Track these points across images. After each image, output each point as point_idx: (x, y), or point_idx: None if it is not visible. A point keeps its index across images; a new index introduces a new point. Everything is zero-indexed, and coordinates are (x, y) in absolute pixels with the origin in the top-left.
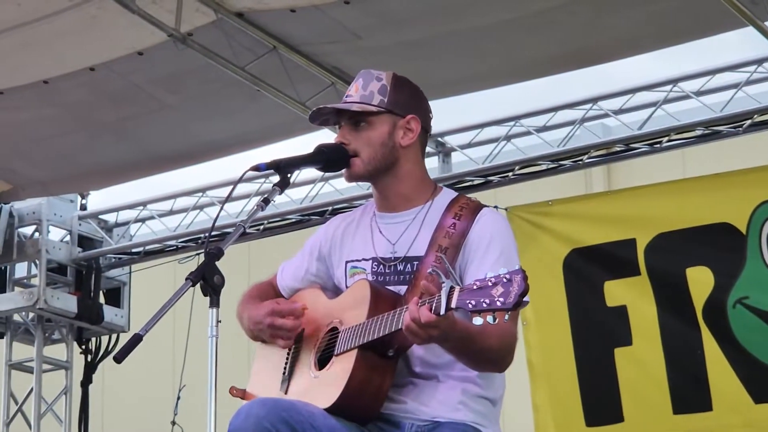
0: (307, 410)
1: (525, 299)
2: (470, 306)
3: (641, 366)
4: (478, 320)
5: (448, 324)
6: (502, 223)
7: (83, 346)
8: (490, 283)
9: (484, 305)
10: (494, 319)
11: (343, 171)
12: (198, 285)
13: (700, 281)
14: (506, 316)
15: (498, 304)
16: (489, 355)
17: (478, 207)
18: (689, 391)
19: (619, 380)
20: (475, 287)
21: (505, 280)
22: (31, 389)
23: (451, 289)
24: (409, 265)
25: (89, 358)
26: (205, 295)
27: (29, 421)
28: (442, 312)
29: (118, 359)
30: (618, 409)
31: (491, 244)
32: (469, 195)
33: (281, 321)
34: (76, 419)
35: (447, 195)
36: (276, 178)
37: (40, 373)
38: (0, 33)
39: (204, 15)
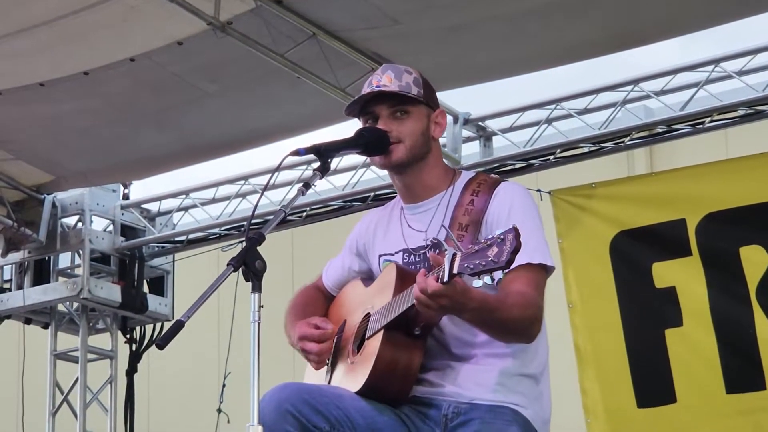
0: (332, 392)
1: (551, 264)
2: (469, 270)
3: (693, 346)
4: (477, 282)
5: (456, 292)
6: (521, 195)
7: (128, 336)
8: (486, 245)
9: (481, 267)
10: (492, 280)
11: (378, 159)
12: (240, 271)
13: (754, 260)
14: (501, 274)
15: (492, 264)
16: (513, 326)
17: (496, 182)
18: (742, 371)
19: (670, 361)
20: (473, 251)
21: (499, 240)
22: (77, 379)
23: (454, 255)
24: (437, 251)
25: (134, 347)
26: (247, 280)
27: (75, 410)
28: (446, 279)
29: (161, 345)
30: (670, 390)
31: (511, 214)
32: (511, 178)
33: (309, 346)
34: (121, 408)
35: (466, 176)
36: (317, 164)
37: (85, 362)
38: (40, 26)
39: (243, 3)
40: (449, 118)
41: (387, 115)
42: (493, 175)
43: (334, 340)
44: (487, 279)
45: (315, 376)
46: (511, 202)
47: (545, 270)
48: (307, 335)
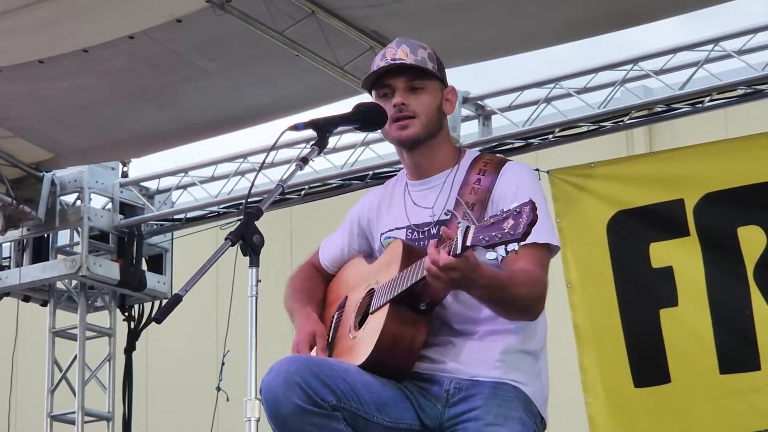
0: (340, 366)
1: (556, 244)
2: (484, 242)
3: (687, 326)
4: (491, 255)
5: (468, 266)
6: (527, 173)
7: (126, 313)
8: (502, 218)
9: (497, 239)
10: (506, 252)
11: (396, 132)
12: (238, 246)
13: (753, 240)
14: (516, 246)
15: (508, 236)
16: (520, 303)
17: (502, 161)
18: (736, 351)
19: (665, 341)
20: (488, 223)
21: (515, 212)
22: (75, 356)
23: (467, 228)
24: (442, 228)
25: (132, 325)
26: (245, 254)
27: (73, 388)
28: (459, 251)
29: (159, 319)
30: (665, 370)
31: (518, 193)
32: (509, 158)
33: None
34: (120, 386)
35: (471, 155)
36: (316, 140)
37: (84, 340)
38: (40, 2)
39: None
40: None
41: (403, 88)
42: (498, 155)
43: (334, 317)
44: (501, 251)
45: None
46: (518, 181)
47: (549, 249)
48: (301, 349)
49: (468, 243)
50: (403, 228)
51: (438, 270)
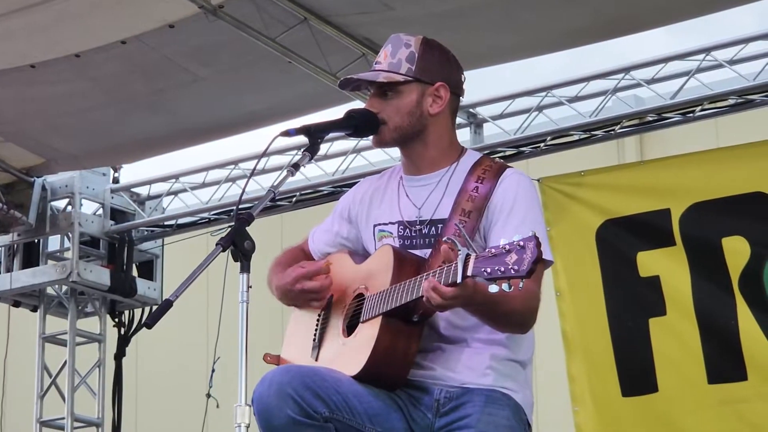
0: (332, 376)
1: (549, 259)
2: (486, 274)
3: (675, 336)
4: (494, 288)
5: (466, 291)
6: (525, 184)
7: (116, 319)
8: (504, 250)
9: (499, 273)
10: (510, 287)
11: (371, 137)
12: (229, 252)
13: (737, 251)
14: (521, 284)
15: (512, 272)
16: (513, 318)
17: (501, 168)
18: (724, 361)
19: (653, 350)
20: (490, 254)
21: (518, 247)
22: (65, 362)
23: (467, 257)
24: (433, 228)
25: (122, 331)
26: (236, 260)
27: (63, 393)
28: (459, 280)
29: (149, 324)
30: (652, 379)
31: (515, 206)
32: None
33: (310, 284)
34: (109, 392)
35: (471, 157)
36: (307, 145)
37: (74, 346)
38: (32, 7)
39: None
40: None
41: (374, 94)
42: (498, 160)
43: (320, 315)
44: (505, 286)
45: (298, 352)
46: (515, 192)
47: (543, 263)
48: (302, 274)
49: (468, 273)
50: (395, 223)
51: (437, 296)
